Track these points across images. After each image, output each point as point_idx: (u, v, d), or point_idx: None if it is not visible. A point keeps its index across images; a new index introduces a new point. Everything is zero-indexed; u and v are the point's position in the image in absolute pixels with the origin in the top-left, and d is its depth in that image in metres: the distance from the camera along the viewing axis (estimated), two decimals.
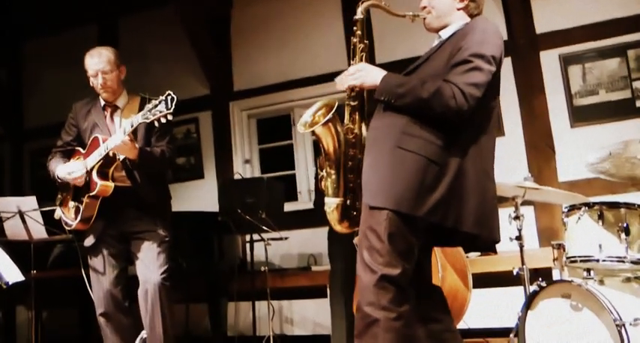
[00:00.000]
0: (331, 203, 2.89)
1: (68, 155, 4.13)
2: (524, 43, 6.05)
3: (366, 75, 2.76)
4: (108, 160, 3.81)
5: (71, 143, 4.16)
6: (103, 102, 4.06)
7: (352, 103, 2.87)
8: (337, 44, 6.59)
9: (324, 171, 2.94)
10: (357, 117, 2.88)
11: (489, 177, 2.76)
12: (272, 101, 7.04)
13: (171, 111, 3.44)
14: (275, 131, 7.20)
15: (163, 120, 3.48)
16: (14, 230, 4.75)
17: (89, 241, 3.98)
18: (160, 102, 3.47)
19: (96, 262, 3.96)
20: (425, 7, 2.87)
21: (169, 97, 3.45)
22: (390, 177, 2.57)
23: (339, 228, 2.95)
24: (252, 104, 7.15)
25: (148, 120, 3.52)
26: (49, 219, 4.45)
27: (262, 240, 5.40)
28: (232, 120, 7.16)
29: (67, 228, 4.03)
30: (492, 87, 2.71)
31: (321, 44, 6.72)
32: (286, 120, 7.09)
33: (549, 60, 5.99)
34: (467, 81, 2.55)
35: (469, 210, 2.60)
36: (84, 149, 4.00)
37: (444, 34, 2.83)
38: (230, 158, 7.09)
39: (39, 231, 4.71)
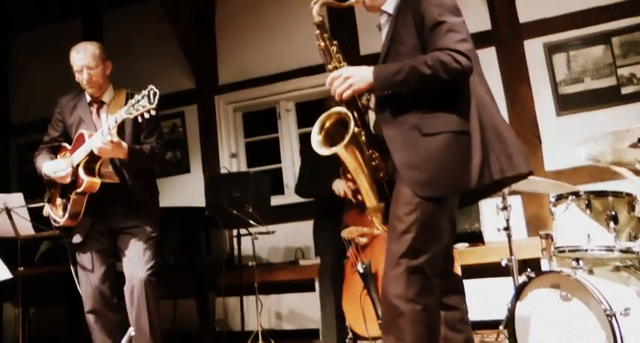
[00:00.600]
0: (373, 209, 2.84)
1: (55, 151, 4.09)
2: (507, 32, 6.06)
3: (357, 79, 2.67)
4: (94, 156, 3.77)
5: (58, 139, 4.12)
6: (89, 98, 4.02)
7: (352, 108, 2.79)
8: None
9: (350, 183, 2.91)
10: (359, 120, 2.78)
11: (499, 112, 2.78)
12: (257, 94, 7.02)
13: (154, 106, 3.40)
14: (261, 124, 7.18)
15: (147, 116, 3.45)
16: (0, 227, 4.72)
17: (77, 238, 3.96)
18: (142, 97, 3.43)
19: (84, 259, 3.93)
20: None
21: (152, 92, 3.41)
22: (431, 167, 2.58)
23: (382, 228, 2.88)
24: (238, 97, 7.13)
25: (131, 116, 3.48)
26: (35, 215, 4.42)
27: (249, 234, 5.39)
28: (218, 114, 7.14)
29: (55, 224, 3.99)
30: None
31: (305, 36, 6.62)
32: (272, 114, 7.07)
33: (533, 49, 6.00)
34: (455, 40, 2.54)
35: (506, 154, 2.64)
36: (70, 144, 3.96)
37: (388, 7, 2.81)
38: (216, 152, 7.07)
39: (26, 228, 4.67)
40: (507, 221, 4.20)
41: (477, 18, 6.09)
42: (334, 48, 2.81)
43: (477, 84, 2.71)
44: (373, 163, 2.79)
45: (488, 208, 5.14)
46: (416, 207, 2.56)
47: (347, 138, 2.69)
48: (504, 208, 4.21)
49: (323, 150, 2.79)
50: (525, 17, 6.05)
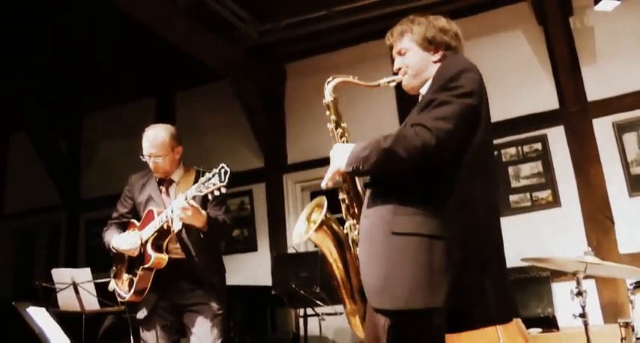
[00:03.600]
0: (350, 312, 2.58)
1: (123, 227, 4.14)
2: (575, 110, 6.03)
3: (336, 158, 2.45)
4: (162, 233, 3.81)
5: (126, 215, 4.17)
6: (158, 177, 4.11)
7: (344, 197, 2.59)
8: (390, 117, 6.63)
9: (334, 279, 2.61)
10: (354, 209, 2.57)
11: (498, 232, 2.43)
12: (325, 174, 7.05)
13: (225, 183, 3.42)
14: (328, 204, 7.16)
15: (217, 193, 3.47)
16: (67, 300, 4.80)
17: (142, 313, 3.96)
18: (213, 175, 3.46)
19: (148, 335, 3.93)
20: (400, 69, 2.63)
21: (223, 170, 3.45)
22: (391, 271, 2.22)
23: (359, 333, 2.59)
24: (306, 177, 7.20)
25: (201, 193, 3.51)
26: (101, 290, 4.47)
27: (316, 314, 5.34)
28: (286, 193, 7.23)
29: (120, 299, 4.00)
30: (475, 121, 2.36)
31: (373, 118, 6.76)
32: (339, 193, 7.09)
33: (602, 127, 5.95)
34: (431, 116, 2.24)
35: (492, 280, 2.28)
36: (139, 221, 4.04)
37: (425, 90, 2.56)
38: (284, 231, 7.10)
39: (91, 303, 4.74)
40: (583, 307, 4.06)
41: (545, 97, 6.10)
42: (340, 131, 2.67)
43: (472, 181, 2.33)
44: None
45: (562, 292, 4.99)
46: (385, 322, 2.23)
47: (317, 222, 2.52)
48: (579, 293, 4.07)
49: (297, 239, 2.66)
50: (593, 95, 6.03)
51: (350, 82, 2.70)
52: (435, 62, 2.56)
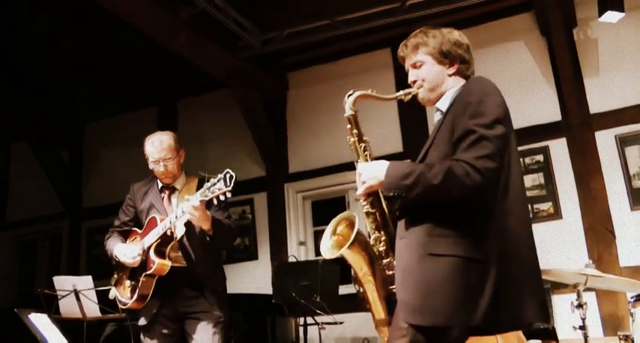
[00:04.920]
0: (379, 323, 2.63)
1: (125, 235, 4.14)
2: (578, 123, 6.04)
3: (369, 176, 2.49)
4: (165, 239, 3.81)
5: (128, 223, 4.17)
6: (160, 184, 4.11)
7: (370, 210, 2.61)
8: (392, 127, 6.67)
9: (363, 292, 2.67)
10: (380, 223, 2.61)
11: (533, 251, 2.46)
12: (327, 183, 7.10)
13: (230, 188, 3.42)
14: (330, 213, 7.16)
15: (222, 198, 3.47)
16: (68, 308, 4.81)
17: (143, 320, 3.95)
18: (218, 180, 3.46)
19: (149, 342, 3.95)
20: (415, 82, 2.67)
21: (228, 175, 3.45)
22: (424, 291, 2.29)
23: None
24: (307, 186, 7.23)
25: (206, 198, 3.51)
26: (102, 297, 4.47)
27: (316, 323, 5.34)
28: (287, 202, 7.24)
29: (122, 307, 3.98)
30: (505, 145, 2.41)
31: (375, 126, 6.77)
32: (341, 203, 7.11)
33: (605, 140, 5.95)
34: (476, 155, 2.29)
35: (526, 299, 2.32)
36: (140, 229, 4.05)
37: (442, 105, 2.60)
38: (284, 240, 7.11)
39: (93, 310, 4.75)
40: (583, 319, 4.05)
41: (547, 108, 6.11)
42: (363, 145, 2.68)
43: (507, 206, 2.38)
44: (388, 272, 2.57)
45: (562, 304, 4.99)
46: (406, 333, 2.31)
47: (351, 239, 2.55)
48: (580, 306, 4.06)
49: (327, 254, 2.68)
50: (596, 108, 6.04)
51: (369, 95, 2.69)
52: (451, 75, 2.63)
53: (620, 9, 5.58)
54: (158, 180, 4.11)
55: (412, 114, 6.55)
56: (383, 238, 2.59)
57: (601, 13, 5.66)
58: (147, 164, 4.04)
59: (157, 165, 3.96)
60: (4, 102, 7.77)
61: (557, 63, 6.17)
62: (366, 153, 2.67)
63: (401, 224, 2.51)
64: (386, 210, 2.61)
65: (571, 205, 5.90)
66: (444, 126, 2.49)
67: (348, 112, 2.71)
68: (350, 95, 2.71)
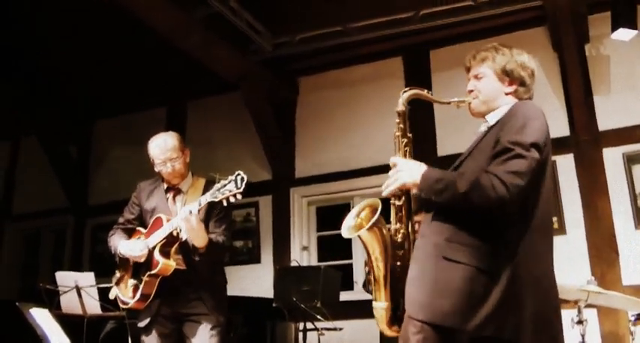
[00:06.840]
0: (379, 307, 2.72)
1: (129, 233, 4.13)
2: (586, 139, 6.02)
3: (405, 174, 2.56)
4: (171, 240, 3.82)
5: (132, 221, 4.17)
6: (166, 185, 4.10)
7: (397, 203, 2.70)
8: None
9: (370, 274, 2.77)
10: (403, 215, 2.71)
11: (549, 279, 2.53)
12: (332, 189, 7.11)
13: (241, 190, 3.44)
14: (334, 219, 7.19)
15: (232, 200, 3.47)
16: (70, 304, 4.82)
17: (143, 321, 3.97)
18: (229, 182, 3.47)
19: (147, 342, 3.95)
20: (472, 91, 2.75)
21: (239, 177, 3.46)
22: (434, 290, 2.39)
23: (389, 332, 2.74)
24: (313, 191, 7.23)
25: (216, 199, 3.51)
26: (104, 295, 4.47)
27: (316, 329, 5.34)
28: (292, 207, 7.24)
29: (123, 305, 3.99)
30: (540, 175, 2.48)
31: (383, 134, 6.74)
32: (346, 209, 7.08)
33: (612, 158, 5.93)
34: (507, 169, 2.35)
35: (527, 319, 2.37)
36: (145, 228, 4.04)
37: (491, 118, 2.69)
38: (288, 244, 7.11)
39: (94, 307, 4.75)
40: (583, 336, 4.04)
41: (556, 123, 6.08)
42: (405, 140, 2.78)
43: (529, 229, 2.45)
44: (399, 263, 2.68)
45: (562, 321, 4.97)
46: (421, 330, 2.38)
47: (371, 221, 2.64)
48: (580, 322, 4.06)
49: (346, 233, 2.76)
50: (605, 125, 6.02)
51: (423, 95, 2.79)
52: (507, 94, 2.73)
53: (633, 26, 5.58)
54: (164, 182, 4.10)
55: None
56: (402, 230, 2.70)
57: (613, 30, 5.66)
58: (154, 166, 4.04)
59: (163, 166, 3.96)
60: (16, 97, 7.83)
61: (567, 78, 6.15)
62: (406, 149, 2.76)
63: (425, 223, 2.61)
64: (411, 206, 2.72)
65: (575, 221, 5.88)
66: (485, 139, 2.58)
67: (400, 107, 2.78)
68: (405, 91, 2.78)
